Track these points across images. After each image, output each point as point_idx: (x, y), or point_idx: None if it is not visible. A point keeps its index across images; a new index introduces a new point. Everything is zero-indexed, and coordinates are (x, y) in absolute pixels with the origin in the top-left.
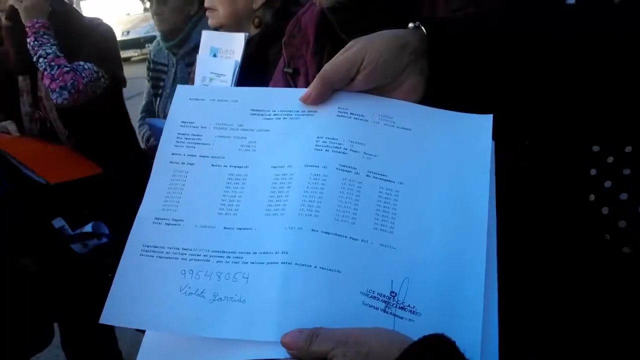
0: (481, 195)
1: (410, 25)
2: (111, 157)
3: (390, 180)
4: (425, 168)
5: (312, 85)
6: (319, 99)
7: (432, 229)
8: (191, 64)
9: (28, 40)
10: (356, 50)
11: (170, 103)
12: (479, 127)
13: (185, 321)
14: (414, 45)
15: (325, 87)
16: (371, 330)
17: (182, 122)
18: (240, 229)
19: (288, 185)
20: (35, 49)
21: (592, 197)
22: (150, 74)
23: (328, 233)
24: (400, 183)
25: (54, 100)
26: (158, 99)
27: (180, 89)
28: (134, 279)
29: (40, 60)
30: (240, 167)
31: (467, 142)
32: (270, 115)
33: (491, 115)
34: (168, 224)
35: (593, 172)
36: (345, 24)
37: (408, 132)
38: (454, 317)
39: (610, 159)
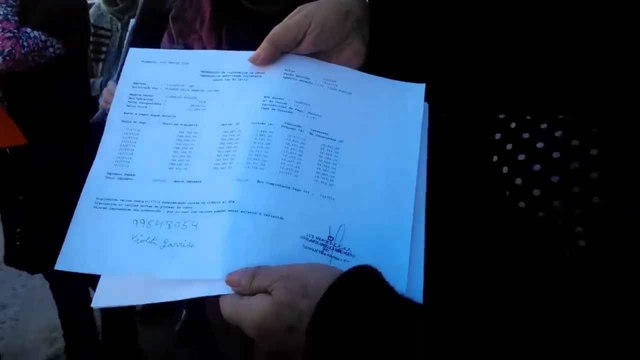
0: (412, 155)
1: None
2: (46, 131)
3: (331, 139)
4: (363, 129)
5: (261, 47)
6: (268, 60)
7: (367, 183)
8: None
9: None
10: (304, 14)
11: (116, 67)
12: (413, 95)
13: (137, 265)
14: (357, 13)
15: (274, 49)
16: (308, 265)
17: (134, 83)
18: (190, 181)
19: (236, 141)
20: None
21: (495, 158)
22: (91, 38)
23: (272, 184)
24: (341, 141)
25: None
26: (101, 63)
27: (133, 52)
28: (88, 230)
29: None
30: (190, 125)
31: (401, 107)
32: (219, 76)
33: (424, 85)
34: (120, 179)
35: (498, 136)
36: None
37: (349, 95)
38: (385, 258)
39: (513, 125)
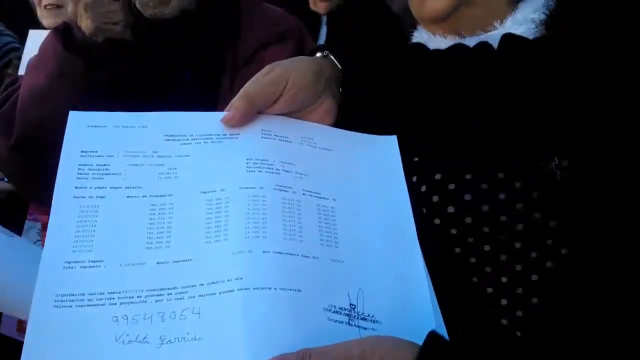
0: (404, 206)
1: (319, 54)
2: None
3: (325, 198)
4: (350, 185)
5: (234, 106)
6: (244, 121)
7: (369, 240)
8: None
9: None
10: (280, 72)
11: None
12: (388, 147)
13: None
14: (329, 71)
15: (250, 109)
16: (369, 338)
17: (83, 151)
18: (177, 261)
19: (225, 209)
20: None
21: (414, 178)
22: None
23: (280, 253)
24: (334, 200)
25: None
26: None
27: (74, 115)
28: (51, 337)
29: None
30: (163, 195)
31: (381, 160)
32: (188, 140)
33: (395, 136)
34: (84, 267)
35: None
36: None
37: (329, 152)
38: (409, 318)
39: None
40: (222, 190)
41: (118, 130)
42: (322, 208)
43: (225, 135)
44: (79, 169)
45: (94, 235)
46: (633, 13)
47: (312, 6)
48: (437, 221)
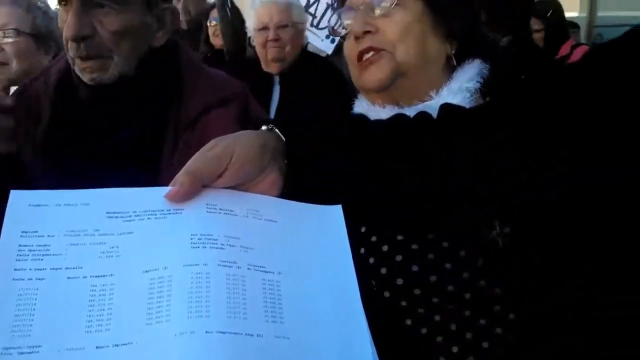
0: (350, 276)
1: (264, 127)
2: None
3: (270, 272)
4: (296, 257)
5: (179, 182)
6: (189, 196)
7: (315, 311)
8: None
9: None
10: (224, 147)
11: None
12: (333, 216)
13: None
14: (273, 144)
15: (195, 184)
16: None
17: (23, 232)
18: (117, 345)
19: (168, 288)
20: None
21: (362, 250)
22: None
23: (223, 332)
24: (279, 273)
25: None
26: None
27: (15, 194)
28: None
29: None
30: (104, 276)
31: (326, 230)
32: (131, 216)
33: (340, 206)
34: (22, 353)
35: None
36: None
37: (275, 224)
38: None
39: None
40: (165, 268)
41: (60, 209)
42: (268, 282)
43: (169, 210)
44: (18, 249)
45: (32, 319)
46: (563, 79)
47: (264, 67)
48: (387, 294)
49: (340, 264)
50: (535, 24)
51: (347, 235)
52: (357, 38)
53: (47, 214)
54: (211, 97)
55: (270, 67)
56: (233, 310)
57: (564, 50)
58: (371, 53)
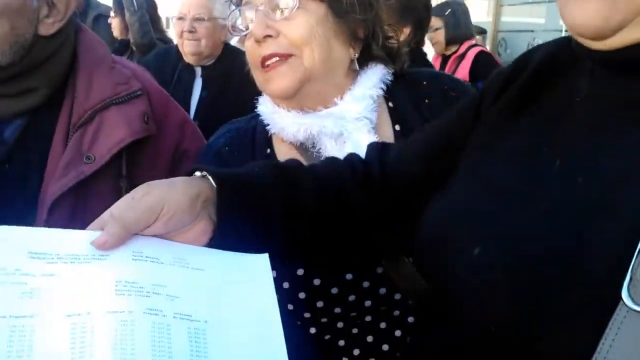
0: (275, 324)
1: (198, 173)
2: None
3: (196, 320)
4: (223, 305)
5: (108, 231)
6: (117, 245)
7: (240, 357)
8: None
9: None
10: (156, 199)
11: None
12: (260, 264)
13: None
14: (206, 194)
15: (124, 234)
16: None
17: None
18: None
19: (90, 335)
20: None
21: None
22: None
23: None
24: (205, 321)
25: None
26: None
27: None
28: None
29: None
30: (24, 317)
31: (253, 277)
32: (54, 258)
33: (267, 254)
34: None
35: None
36: None
37: (202, 272)
38: None
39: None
40: (88, 313)
41: None
42: (194, 331)
43: (94, 255)
44: None
45: None
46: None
47: (185, 58)
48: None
49: (266, 312)
50: (435, 23)
51: (273, 283)
52: (257, 42)
53: None
54: (112, 92)
55: (188, 58)
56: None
57: (461, 50)
58: (274, 59)
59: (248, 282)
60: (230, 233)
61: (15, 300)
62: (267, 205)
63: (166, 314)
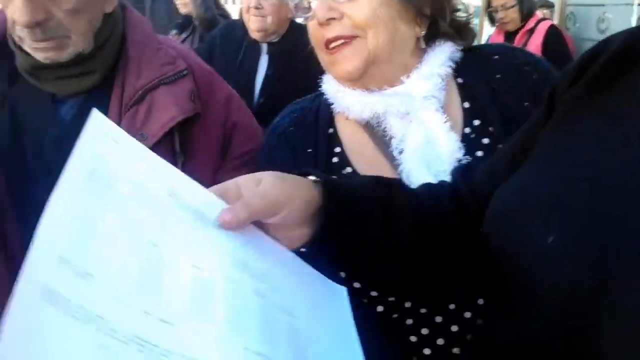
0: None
1: (312, 177)
2: None
3: (296, 317)
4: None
5: (237, 214)
6: (239, 229)
7: None
8: None
9: None
10: (284, 193)
11: None
12: (338, 297)
13: None
14: (317, 202)
15: (249, 220)
16: None
17: (91, 170)
18: (162, 320)
19: (212, 291)
20: None
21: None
22: None
23: (259, 354)
24: (300, 324)
25: None
26: None
27: (95, 114)
28: (30, 327)
29: None
30: (155, 246)
31: (331, 309)
32: (187, 205)
33: (345, 289)
34: (77, 273)
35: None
36: None
37: (296, 278)
38: None
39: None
40: (211, 271)
41: (131, 154)
42: (294, 328)
43: (215, 224)
44: (89, 173)
45: (87, 244)
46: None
47: (250, 34)
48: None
49: (347, 341)
50: (508, 1)
51: (352, 318)
52: (321, 24)
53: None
54: (159, 73)
55: (254, 35)
56: (267, 337)
57: (530, 24)
58: (340, 41)
59: (329, 309)
60: (323, 249)
61: (150, 222)
62: (366, 235)
63: (273, 301)
